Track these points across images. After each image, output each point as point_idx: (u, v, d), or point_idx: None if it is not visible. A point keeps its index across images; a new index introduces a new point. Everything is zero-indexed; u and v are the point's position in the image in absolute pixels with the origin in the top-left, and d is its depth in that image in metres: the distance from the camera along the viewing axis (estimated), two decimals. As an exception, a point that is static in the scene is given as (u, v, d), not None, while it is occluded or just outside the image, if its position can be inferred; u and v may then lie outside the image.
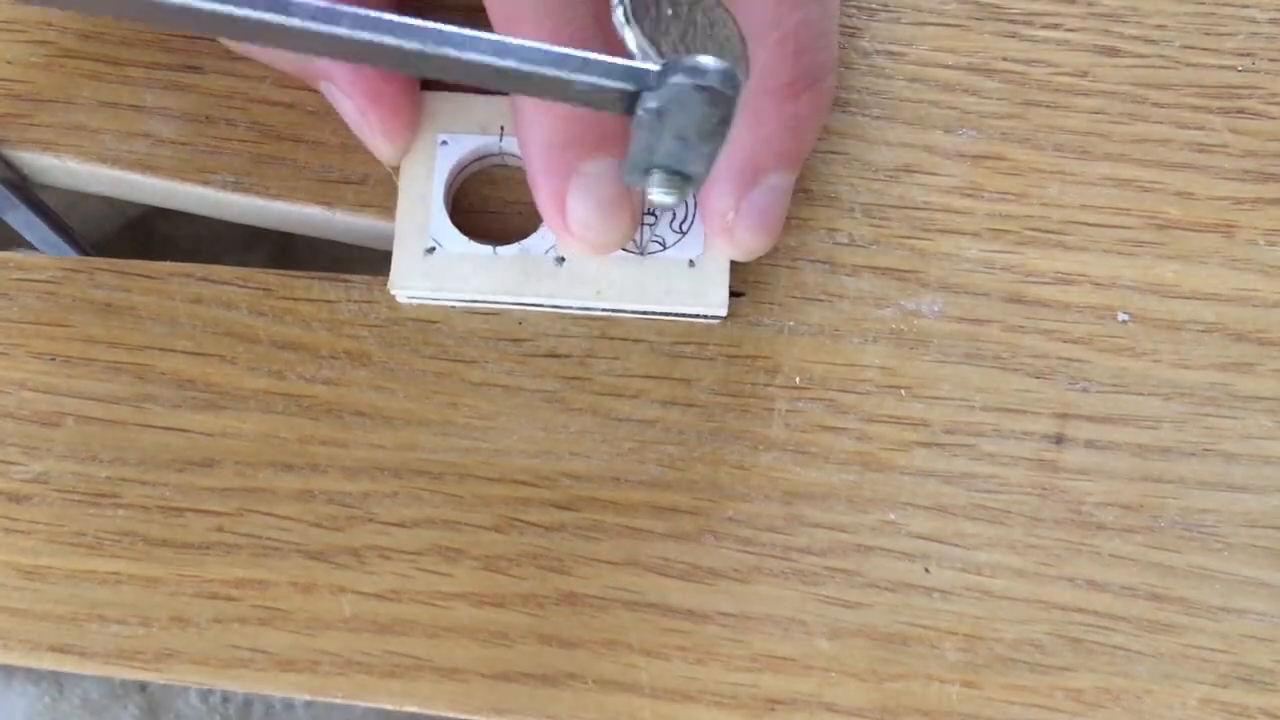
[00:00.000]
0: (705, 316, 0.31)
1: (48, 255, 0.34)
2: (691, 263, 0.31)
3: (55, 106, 0.33)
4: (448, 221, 0.31)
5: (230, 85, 0.33)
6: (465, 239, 0.31)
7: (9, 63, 0.33)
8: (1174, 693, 0.30)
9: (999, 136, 0.33)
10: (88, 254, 0.35)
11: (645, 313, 0.31)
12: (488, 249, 0.31)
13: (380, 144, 0.31)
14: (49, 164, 0.33)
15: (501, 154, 0.32)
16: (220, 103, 0.33)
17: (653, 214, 0.31)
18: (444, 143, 0.32)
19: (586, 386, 0.31)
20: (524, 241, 0.31)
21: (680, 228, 0.31)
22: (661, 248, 0.31)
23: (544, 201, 0.29)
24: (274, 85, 0.33)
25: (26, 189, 0.34)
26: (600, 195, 0.29)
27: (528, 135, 0.29)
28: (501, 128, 0.32)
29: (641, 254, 0.31)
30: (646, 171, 0.23)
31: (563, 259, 0.31)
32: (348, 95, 0.31)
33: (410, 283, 0.31)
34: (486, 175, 0.33)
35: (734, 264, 0.31)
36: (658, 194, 0.23)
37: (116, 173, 0.33)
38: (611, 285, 0.31)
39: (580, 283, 0.31)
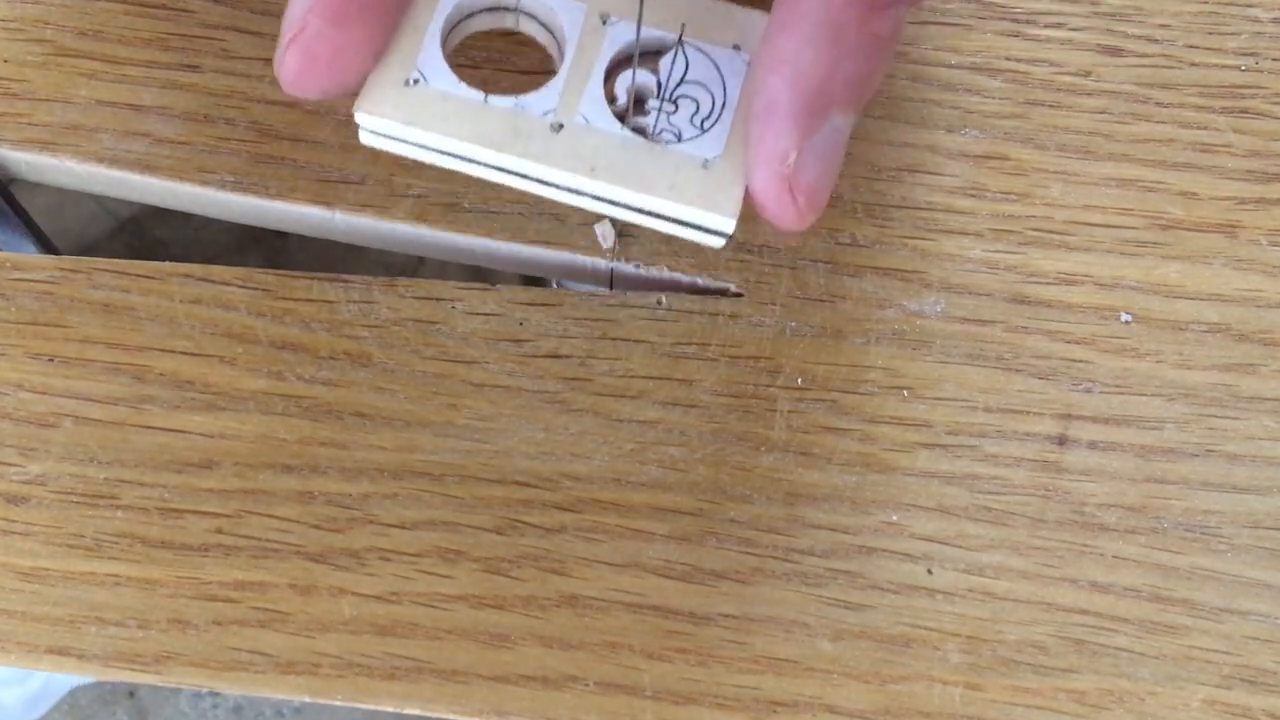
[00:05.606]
0: (709, 230, 0.27)
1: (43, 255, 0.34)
2: (706, 163, 0.27)
3: (53, 105, 0.33)
4: (440, 56, 0.27)
5: (229, 84, 0.33)
6: (455, 78, 0.27)
7: (5, 61, 0.33)
8: (1177, 694, 0.30)
9: (1002, 136, 0.33)
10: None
11: (641, 210, 0.27)
12: (478, 94, 0.27)
13: (288, 70, 0.26)
14: (47, 163, 0.33)
15: (517, 11, 0.29)
16: (219, 102, 0.33)
17: (673, 102, 0.27)
18: None
19: (587, 387, 0.31)
20: (522, 96, 0.27)
21: (701, 124, 0.27)
22: (676, 140, 0.27)
23: (773, 146, 0.25)
24: (273, 85, 0.33)
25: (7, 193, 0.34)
26: (832, 152, 0.25)
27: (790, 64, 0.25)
28: None
29: (651, 140, 0.27)
30: None
31: (561, 125, 0.27)
32: None
33: (380, 110, 0.26)
34: (496, 35, 0.30)
35: (734, 262, 0.31)
36: None
37: (115, 172, 0.33)
38: (610, 166, 0.26)
39: (575, 155, 0.26)
